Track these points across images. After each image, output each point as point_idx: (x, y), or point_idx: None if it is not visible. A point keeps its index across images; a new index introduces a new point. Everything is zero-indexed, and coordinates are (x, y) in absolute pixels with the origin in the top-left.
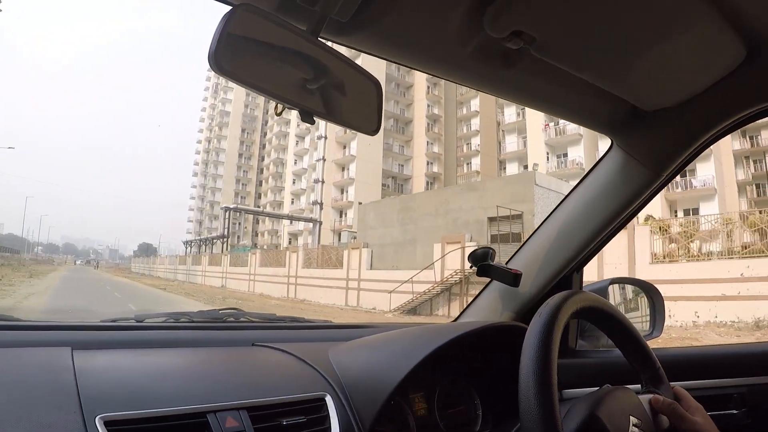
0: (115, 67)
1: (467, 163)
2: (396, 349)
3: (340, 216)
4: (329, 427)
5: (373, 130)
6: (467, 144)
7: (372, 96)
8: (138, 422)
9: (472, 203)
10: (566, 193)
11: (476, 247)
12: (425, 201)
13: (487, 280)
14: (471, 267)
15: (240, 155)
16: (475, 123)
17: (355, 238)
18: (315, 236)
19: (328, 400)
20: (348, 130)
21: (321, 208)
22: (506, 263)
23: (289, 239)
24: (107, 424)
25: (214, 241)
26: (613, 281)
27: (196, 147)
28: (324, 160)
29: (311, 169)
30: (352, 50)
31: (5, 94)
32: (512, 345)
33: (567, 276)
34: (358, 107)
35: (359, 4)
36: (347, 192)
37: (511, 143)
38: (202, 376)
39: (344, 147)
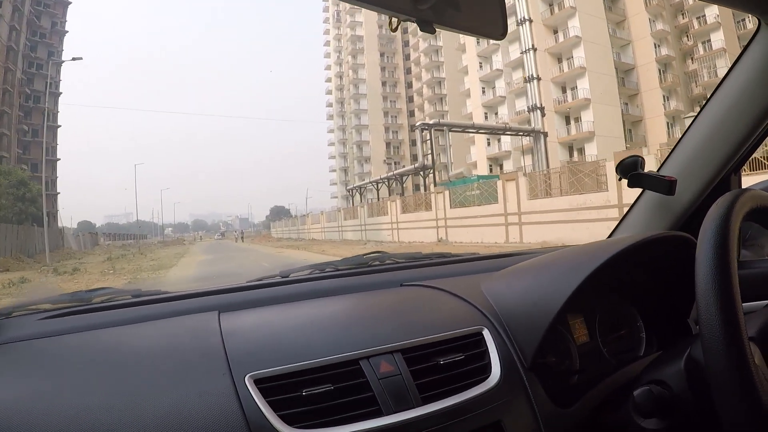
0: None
1: (704, 42)
2: (554, 273)
3: (567, 122)
4: (489, 363)
5: (500, 35)
6: (699, 18)
7: None
8: (289, 377)
9: None
10: (715, 87)
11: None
12: None
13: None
14: (620, 179)
15: (383, 83)
16: None
17: None
18: (539, 154)
19: (486, 333)
20: (560, 5)
21: (543, 115)
22: (658, 170)
23: (489, 166)
24: (257, 381)
25: (404, 177)
26: None
27: (326, 86)
28: (534, 49)
29: (509, 68)
30: None
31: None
32: (674, 257)
33: (725, 178)
34: (479, 10)
35: None
36: (574, 89)
37: None
38: (352, 323)
39: (555, 31)
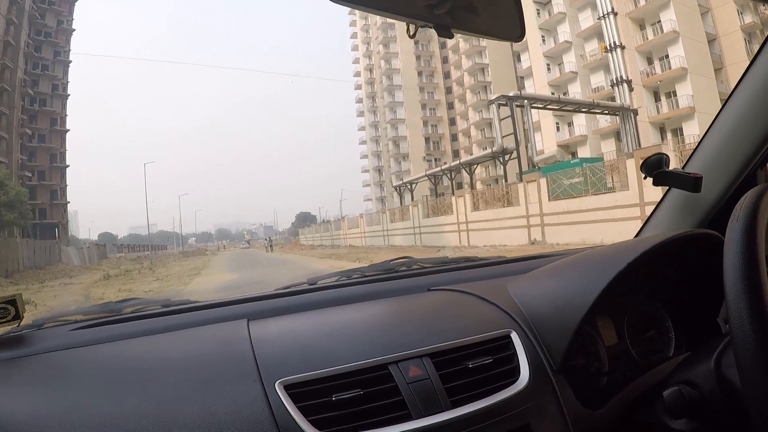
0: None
1: None
2: (581, 275)
3: (656, 99)
4: (518, 366)
5: (517, 36)
6: None
7: (509, 1)
8: (318, 382)
9: None
10: (738, 79)
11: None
12: None
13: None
14: (645, 177)
15: (419, 73)
16: None
17: None
18: (629, 136)
19: (514, 336)
20: None
21: (631, 89)
22: (683, 167)
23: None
24: (287, 387)
25: (473, 167)
26: None
27: (356, 81)
28: (615, 13)
29: (580, 39)
30: None
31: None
32: (701, 256)
33: (751, 173)
34: (497, 14)
35: None
36: (664, 59)
37: None
38: (380, 328)
39: None
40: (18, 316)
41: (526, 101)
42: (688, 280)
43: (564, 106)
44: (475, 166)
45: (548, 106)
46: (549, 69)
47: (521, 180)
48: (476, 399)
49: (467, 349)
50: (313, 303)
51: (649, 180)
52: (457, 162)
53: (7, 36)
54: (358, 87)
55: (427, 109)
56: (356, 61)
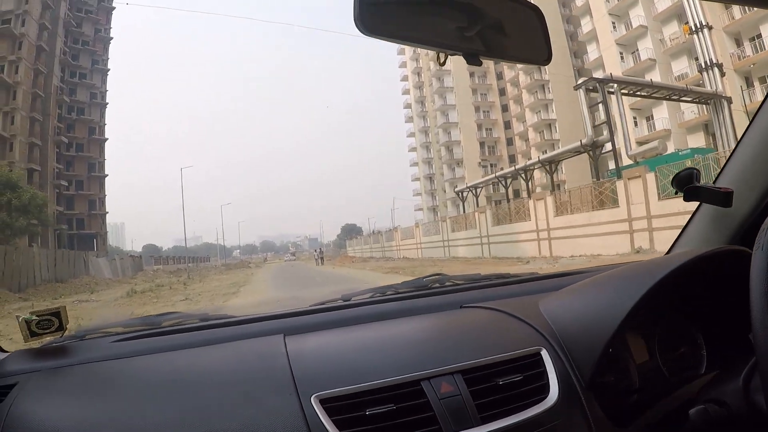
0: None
1: None
2: (610, 292)
3: (748, 85)
4: (547, 383)
5: (544, 60)
6: None
7: (535, 25)
8: (353, 397)
9: None
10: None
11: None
12: None
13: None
14: (676, 192)
15: (471, 74)
16: None
17: None
18: (723, 128)
19: (544, 354)
20: None
21: (722, 74)
22: (714, 182)
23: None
24: (323, 401)
25: (554, 165)
26: None
27: (403, 86)
28: None
29: (657, 23)
30: None
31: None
32: (732, 272)
33: None
34: (523, 39)
35: None
36: (755, 40)
37: None
38: (413, 345)
39: None
40: (61, 327)
41: (616, 85)
42: (720, 297)
43: (655, 92)
44: (556, 164)
45: (638, 93)
46: (622, 58)
47: (620, 177)
48: (506, 415)
49: (498, 366)
50: (348, 319)
51: None
52: (536, 159)
53: (39, 41)
54: (406, 92)
55: (480, 112)
56: (403, 64)
